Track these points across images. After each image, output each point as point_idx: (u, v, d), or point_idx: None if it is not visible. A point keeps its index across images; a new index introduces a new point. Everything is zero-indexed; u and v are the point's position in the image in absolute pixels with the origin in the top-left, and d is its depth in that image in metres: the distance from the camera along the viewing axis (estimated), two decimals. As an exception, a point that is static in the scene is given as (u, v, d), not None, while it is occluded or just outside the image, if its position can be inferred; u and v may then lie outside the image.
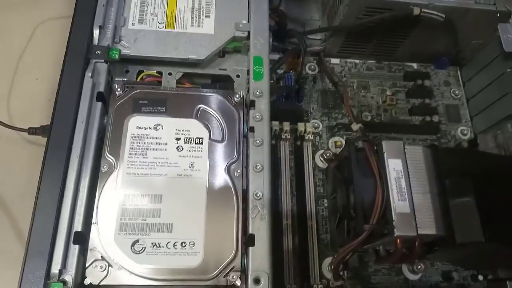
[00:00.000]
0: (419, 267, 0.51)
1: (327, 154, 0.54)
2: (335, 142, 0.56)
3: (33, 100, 0.57)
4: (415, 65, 0.63)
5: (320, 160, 0.55)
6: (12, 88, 0.58)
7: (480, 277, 0.52)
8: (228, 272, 0.40)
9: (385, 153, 0.45)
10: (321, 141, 0.57)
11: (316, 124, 0.57)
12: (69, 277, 0.37)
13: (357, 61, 0.62)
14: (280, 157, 0.54)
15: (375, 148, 0.45)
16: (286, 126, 0.54)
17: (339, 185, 0.50)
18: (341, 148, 0.54)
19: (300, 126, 0.54)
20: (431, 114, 0.60)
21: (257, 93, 0.46)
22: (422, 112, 0.60)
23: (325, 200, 0.54)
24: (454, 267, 0.53)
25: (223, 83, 0.50)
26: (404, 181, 0.44)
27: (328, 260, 0.50)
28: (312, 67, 0.61)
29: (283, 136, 0.54)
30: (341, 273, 0.48)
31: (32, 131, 0.47)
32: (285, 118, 0.54)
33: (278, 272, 0.48)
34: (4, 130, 0.52)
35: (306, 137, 0.55)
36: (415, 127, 0.59)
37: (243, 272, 0.40)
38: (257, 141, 0.44)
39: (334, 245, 0.52)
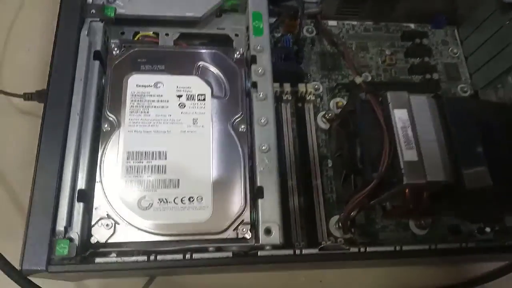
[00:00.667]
0: (426, 222, 0.51)
1: (329, 115, 0.54)
2: (337, 103, 0.56)
3: (25, 71, 0.55)
4: (412, 25, 0.63)
5: (322, 121, 0.54)
6: (3, 60, 0.56)
7: (487, 229, 0.52)
8: (238, 226, 0.39)
9: (390, 104, 0.44)
10: (322, 102, 0.56)
11: (316, 86, 0.56)
12: (75, 234, 0.36)
13: (355, 22, 0.61)
14: (281, 119, 0.53)
15: (380, 99, 0.45)
16: (287, 87, 0.53)
17: (343, 142, 0.49)
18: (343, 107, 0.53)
19: (301, 87, 0.54)
20: (431, 72, 0.59)
21: (258, 48, 0.45)
22: (422, 71, 0.60)
23: (329, 161, 0.53)
24: (460, 222, 0.53)
25: (222, 43, 0.49)
26: (410, 130, 0.43)
27: (335, 218, 0.50)
28: (310, 29, 0.60)
29: (284, 98, 0.53)
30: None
31: (27, 96, 0.46)
32: (285, 79, 0.53)
33: (286, 231, 0.47)
34: (-1, 102, 0.51)
35: (307, 98, 0.54)
36: (416, 85, 0.59)
37: (253, 226, 0.40)
38: (261, 96, 0.43)
39: (340, 204, 0.51)
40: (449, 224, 0.53)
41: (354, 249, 0.39)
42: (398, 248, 0.40)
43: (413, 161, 0.42)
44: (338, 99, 0.56)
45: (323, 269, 0.52)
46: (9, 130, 0.52)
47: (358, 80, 0.47)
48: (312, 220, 0.50)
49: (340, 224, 0.48)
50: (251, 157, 0.41)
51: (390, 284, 0.53)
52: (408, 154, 0.42)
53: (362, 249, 0.39)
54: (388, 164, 0.42)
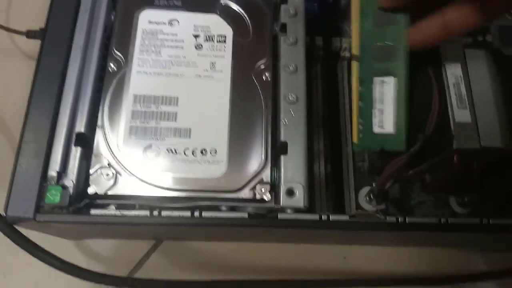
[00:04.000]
0: (469, 199, 0.44)
1: (365, 75, 0.47)
2: (374, 63, 0.49)
3: (33, 9, 0.51)
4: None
5: (357, 82, 0.48)
6: None
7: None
8: (256, 185, 0.34)
9: (442, 56, 0.38)
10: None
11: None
12: (69, 182, 0.31)
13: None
14: (310, 78, 0.47)
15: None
16: (319, 41, 0.47)
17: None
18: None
19: (335, 42, 0.47)
20: (484, 34, 0.52)
21: (290, -15, 0.39)
22: (473, 32, 0.52)
23: (362, 126, 0.47)
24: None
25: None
26: (464, 88, 0.37)
27: (365, 189, 0.43)
28: (348, -20, 0.53)
29: (314, 54, 0.47)
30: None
31: (31, 34, 0.41)
32: (316, 30, 0.47)
33: (310, 198, 0.42)
34: (1, 47, 0.47)
35: (342, 55, 0.48)
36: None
37: (273, 186, 0.34)
38: (290, 39, 0.37)
39: (372, 174, 0.45)
40: (497, 204, 0.46)
41: (391, 219, 0.33)
42: (443, 221, 0.34)
43: (466, 123, 0.36)
44: (375, 59, 0.50)
45: (349, 244, 0.47)
46: (12, 74, 0.48)
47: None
48: (339, 190, 0.44)
49: (371, 196, 0.42)
50: (276, 107, 0.36)
51: (420, 265, 0.47)
52: (460, 115, 0.36)
53: (401, 219, 0.33)
54: (437, 124, 0.36)
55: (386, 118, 0.34)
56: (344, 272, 0.45)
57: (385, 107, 0.34)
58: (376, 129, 0.34)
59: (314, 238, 0.42)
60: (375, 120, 0.34)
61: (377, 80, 0.34)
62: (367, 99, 0.34)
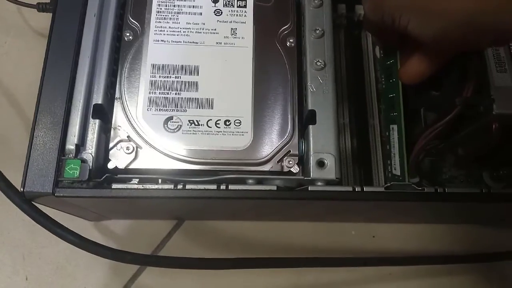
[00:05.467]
0: (504, 172, 0.42)
1: (391, 43, 0.45)
2: (400, 31, 0.47)
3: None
4: None
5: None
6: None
7: None
8: (283, 157, 0.32)
9: (478, 16, 0.35)
10: (382, 30, 0.47)
11: (376, 10, 0.47)
12: (88, 155, 0.30)
13: None
14: (334, 48, 0.45)
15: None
16: (341, 9, 0.44)
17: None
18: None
19: (359, 9, 0.45)
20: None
21: None
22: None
23: (388, 98, 0.45)
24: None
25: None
26: (503, 50, 0.34)
27: (394, 164, 0.42)
28: None
29: (337, 22, 0.45)
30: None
31: (41, 7, 0.39)
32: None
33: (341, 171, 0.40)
34: (12, 24, 0.45)
35: (366, 23, 0.45)
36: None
37: (301, 158, 0.32)
38: (315, 2, 0.35)
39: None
40: (534, 177, 0.44)
41: (429, 189, 0.31)
42: (485, 190, 0.31)
43: (505, 87, 0.34)
44: (401, 27, 0.47)
45: (376, 222, 0.45)
46: (24, 52, 0.47)
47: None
48: (367, 165, 0.42)
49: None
50: (300, 77, 0.34)
51: (448, 243, 0.45)
52: (499, 78, 0.34)
53: (440, 189, 0.31)
54: (475, 88, 0.33)
55: (396, 161, 0.36)
56: (374, 250, 0.43)
57: (396, 152, 0.36)
58: (394, 171, 0.36)
59: (342, 214, 0.41)
60: (392, 162, 0.36)
61: (390, 127, 0.37)
62: (390, 143, 0.37)
